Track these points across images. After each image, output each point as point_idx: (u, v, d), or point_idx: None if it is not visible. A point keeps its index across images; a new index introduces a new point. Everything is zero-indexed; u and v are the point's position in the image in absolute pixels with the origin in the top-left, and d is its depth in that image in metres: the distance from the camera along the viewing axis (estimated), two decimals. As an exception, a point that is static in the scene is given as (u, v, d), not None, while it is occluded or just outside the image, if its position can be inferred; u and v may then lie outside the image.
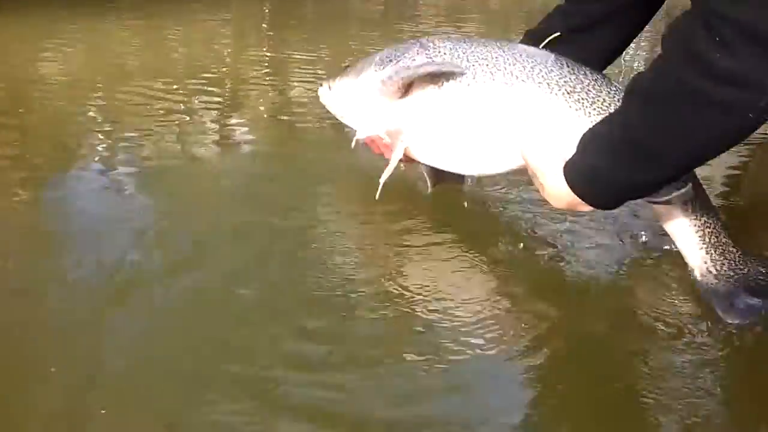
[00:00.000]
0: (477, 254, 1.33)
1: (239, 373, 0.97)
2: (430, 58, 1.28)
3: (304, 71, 2.71)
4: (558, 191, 1.09)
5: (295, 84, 2.52)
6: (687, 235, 1.19)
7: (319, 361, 1.01)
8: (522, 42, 1.42)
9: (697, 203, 1.18)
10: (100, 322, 1.08)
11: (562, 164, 1.09)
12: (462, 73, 1.24)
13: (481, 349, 1.05)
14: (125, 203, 1.51)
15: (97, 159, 1.76)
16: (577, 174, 1.06)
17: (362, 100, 1.39)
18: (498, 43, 1.29)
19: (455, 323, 1.11)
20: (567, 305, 1.18)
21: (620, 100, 1.12)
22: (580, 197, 1.06)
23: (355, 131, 1.43)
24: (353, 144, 1.39)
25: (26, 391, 0.94)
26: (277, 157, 1.88)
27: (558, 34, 1.33)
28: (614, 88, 1.21)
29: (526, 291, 1.22)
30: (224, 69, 2.72)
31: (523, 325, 1.13)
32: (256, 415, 0.90)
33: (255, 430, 0.89)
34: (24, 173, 1.64)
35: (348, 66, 1.51)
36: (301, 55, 3.01)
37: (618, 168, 1.00)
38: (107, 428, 0.88)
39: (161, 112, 2.12)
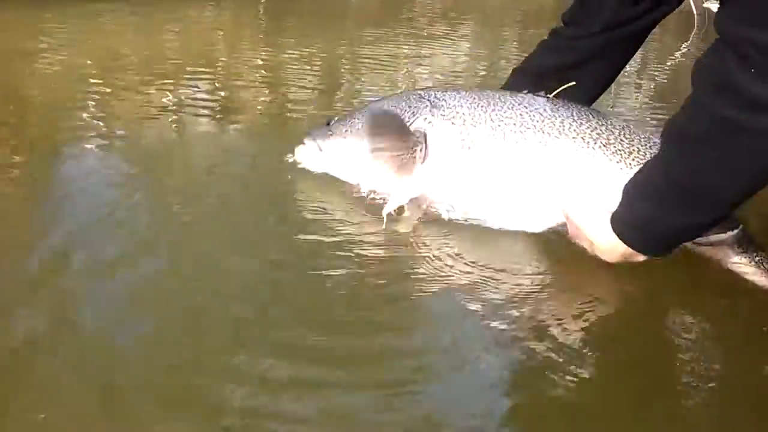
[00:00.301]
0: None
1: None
2: (446, 118, 1.22)
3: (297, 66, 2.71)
4: (610, 245, 1.08)
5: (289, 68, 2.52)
6: (742, 266, 1.17)
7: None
8: (512, 80, 1.40)
9: (745, 238, 1.16)
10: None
11: (608, 218, 1.08)
12: (491, 134, 1.19)
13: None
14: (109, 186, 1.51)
15: (87, 145, 1.77)
16: (626, 226, 1.04)
17: (374, 166, 1.30)
18: (513, 97, 1.24)
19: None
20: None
21: (652, 147, 1.13)
22: (631, 248, 1.04)
23: (358, 186, 1.38)
24: (385, 219, 1.27)
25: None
26: (268, 147, 1.87)
27: (572, 83, 1.31)
28: (643, 136, 1.20)
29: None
30: (220, 64, 2.72)
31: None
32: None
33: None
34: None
35: (340, 123, 1.42)
36: (294, 52, 3.01)
37: (668, 213, 0.98)
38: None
39: (153, 105, 2.11)
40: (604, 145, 1.16)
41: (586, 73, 1.32)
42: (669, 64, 3.74)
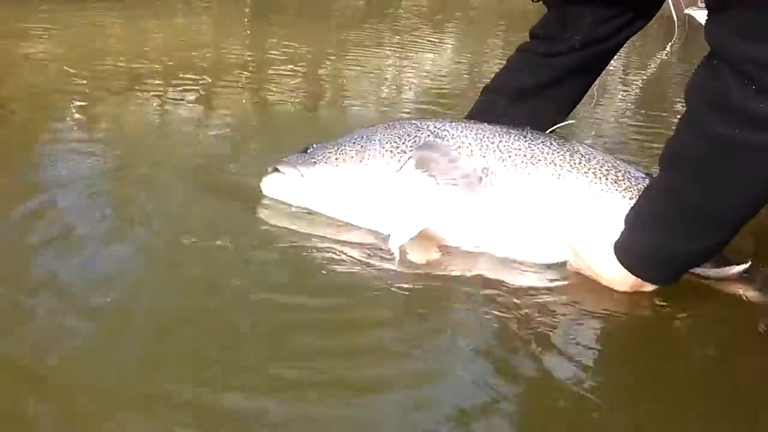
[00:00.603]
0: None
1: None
2: (455, 150, 1.15)
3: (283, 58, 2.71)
4: (619, 277, 1.05)
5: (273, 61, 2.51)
6: (751, 294, 1.14)
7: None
8: (485, 98, 1.34)
9: (753, 269, 1.13)
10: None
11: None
12: (503, 167, 1.15)
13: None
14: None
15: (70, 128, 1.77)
16: (632, 256, 1.02)
17: (375, 194, 1.21)
18: (515, 130, 1.20)
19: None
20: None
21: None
22: (639, 277, 1.02)
23: (350, 221, 1.26)
24: (397, 254, 1.14)
25: None
26: (248, 138, 1.86)
27: (572, 122, 1.29)
28: (643, 173, 1.18)
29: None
30: (205, 56, 2.70)
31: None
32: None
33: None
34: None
35: (326, 149, 1.28)
36: (280, 50, 3.01)
37: (674, 239, 0.96)
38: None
39: (136, 99, 2.11)
40: (615, 182, 1.14)
41: (562, 90, 1.31)
42: (650, 70, 3.79)
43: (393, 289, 1.10)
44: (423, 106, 2.42)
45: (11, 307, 0.99)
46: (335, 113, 2.33)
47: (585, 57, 1.26)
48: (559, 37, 1.25)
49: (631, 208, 1.04)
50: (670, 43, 4.73)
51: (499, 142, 1.17)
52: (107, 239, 1.20)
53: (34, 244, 1.16)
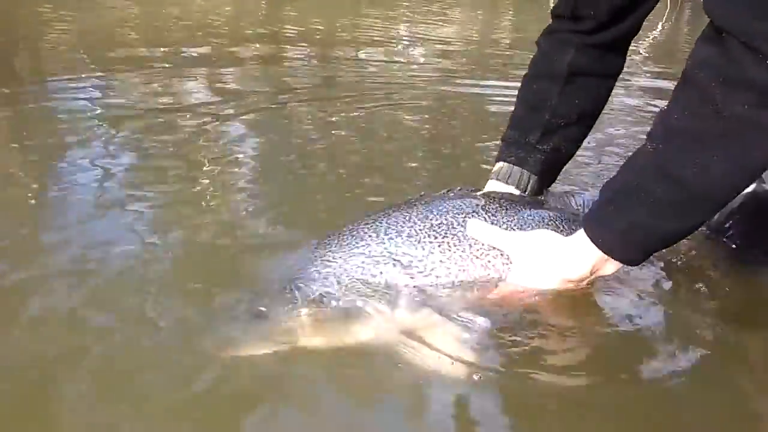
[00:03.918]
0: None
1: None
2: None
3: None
4: (575, 263, 1.00)
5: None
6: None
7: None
8: (536, 85, 1.25)
9: None
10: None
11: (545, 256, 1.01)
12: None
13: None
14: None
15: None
16: (607, 230, 0.97)
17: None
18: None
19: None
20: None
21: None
22: (609, 254, 0.98)
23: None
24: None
25: None
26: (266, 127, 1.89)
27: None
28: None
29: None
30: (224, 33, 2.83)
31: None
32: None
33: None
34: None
35: (332, 265, 1.01)
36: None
37: (658, 216, 0.93)
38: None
39: (155, 77, 2.21)
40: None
41: (604, 66, 1.26)
42: (648, 39, 3.87)
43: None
44: (435, 75, 2.61)
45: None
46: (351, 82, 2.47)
47: (614, 34, 1.24)
48: (585, 16, 1.22)
49: (609, 182, 1.00)
50: (663, 17, 4.83)
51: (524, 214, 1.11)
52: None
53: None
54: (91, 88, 2.05)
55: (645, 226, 0.94)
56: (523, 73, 1.29)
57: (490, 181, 1.23)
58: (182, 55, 2.60)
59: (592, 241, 0.98)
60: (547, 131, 1.22)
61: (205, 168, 1.51)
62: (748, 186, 0.95)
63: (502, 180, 1.22)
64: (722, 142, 0.85)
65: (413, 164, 1.65)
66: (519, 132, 1.24)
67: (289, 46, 2.96)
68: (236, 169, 1.52)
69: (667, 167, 0.91)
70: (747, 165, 0.86)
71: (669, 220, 0.93)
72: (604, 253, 0.97)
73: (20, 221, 1.20)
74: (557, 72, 1.25)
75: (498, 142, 1.26)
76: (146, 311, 0.94)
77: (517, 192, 1.19)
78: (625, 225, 0.95)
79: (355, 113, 2.02)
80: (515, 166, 1.21)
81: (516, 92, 1.28)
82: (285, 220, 1.27)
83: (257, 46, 2.89)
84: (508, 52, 3.44)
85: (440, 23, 3.83)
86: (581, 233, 0.99)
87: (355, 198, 1.39)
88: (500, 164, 1.23)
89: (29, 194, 1.31)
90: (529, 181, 1.19)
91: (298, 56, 2.77)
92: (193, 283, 1.02)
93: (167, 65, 2.39)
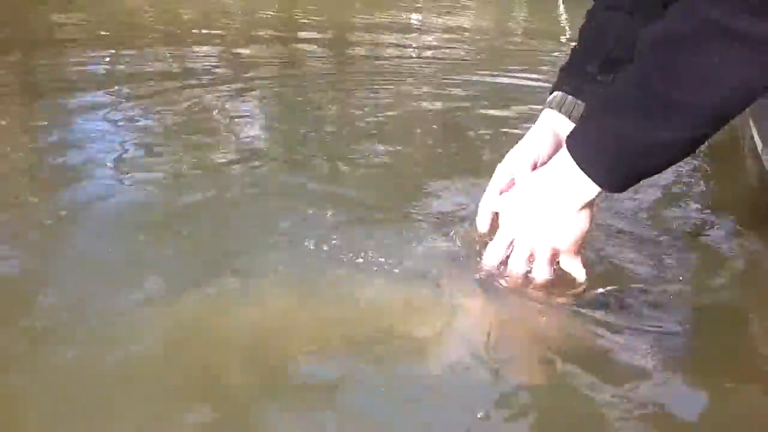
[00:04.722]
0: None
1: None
2: None
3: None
4: (555, 203, 0.99)
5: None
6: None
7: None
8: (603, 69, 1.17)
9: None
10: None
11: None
12: None
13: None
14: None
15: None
16: (584, 144, 0.94)
17: None
18: None
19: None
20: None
21: None
22: (590, 176, 0.96)
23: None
24: None
25: None
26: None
27: None
28: None
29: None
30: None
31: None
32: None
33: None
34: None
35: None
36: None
37: (639, 125, 0.91)
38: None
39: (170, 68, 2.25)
40: None
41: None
42: None
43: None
44: (450, 63, 2.63)
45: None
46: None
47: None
48: None
49: (596, 96, 1.01)
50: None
51: None
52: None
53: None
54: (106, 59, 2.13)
55: (627, 135, 0.91)
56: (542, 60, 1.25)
57: (543, 110, 1.18)
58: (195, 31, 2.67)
59: (576, 159, 0.95)
60: (608, 60, 1.14)
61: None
62: (739, 105, 0.88)
63: (555, 108, 1.16)
64: (701, 50, 0.84)
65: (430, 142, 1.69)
66: (578, 61, 1.18)
67: (302, 33, 2.97)
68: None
69: (646, 73, 0.90)
70: (729, 79, 0.84)
71: (652, 128, 0.90)
72: (582, 170, 0.95)
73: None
74: (625, 2, 1.17)
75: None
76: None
77: (569, 122, 1.12)
78: (608, 136, 0.93)
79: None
80: (569, 96, 1.15)
81: (532, 81, 1.25)
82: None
83: (271, 32, 2.91)
84: (520, 41, 3.42)
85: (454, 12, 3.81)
86: (564, 154, 0.97)
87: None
88: (555, 93, 1.17)
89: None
90: (581, 112, 1.13)
91: (312, 38, 2.78)
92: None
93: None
